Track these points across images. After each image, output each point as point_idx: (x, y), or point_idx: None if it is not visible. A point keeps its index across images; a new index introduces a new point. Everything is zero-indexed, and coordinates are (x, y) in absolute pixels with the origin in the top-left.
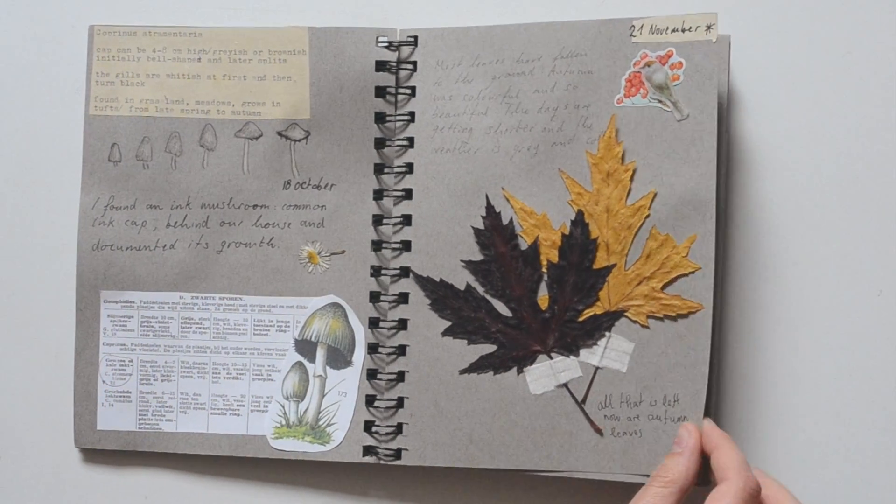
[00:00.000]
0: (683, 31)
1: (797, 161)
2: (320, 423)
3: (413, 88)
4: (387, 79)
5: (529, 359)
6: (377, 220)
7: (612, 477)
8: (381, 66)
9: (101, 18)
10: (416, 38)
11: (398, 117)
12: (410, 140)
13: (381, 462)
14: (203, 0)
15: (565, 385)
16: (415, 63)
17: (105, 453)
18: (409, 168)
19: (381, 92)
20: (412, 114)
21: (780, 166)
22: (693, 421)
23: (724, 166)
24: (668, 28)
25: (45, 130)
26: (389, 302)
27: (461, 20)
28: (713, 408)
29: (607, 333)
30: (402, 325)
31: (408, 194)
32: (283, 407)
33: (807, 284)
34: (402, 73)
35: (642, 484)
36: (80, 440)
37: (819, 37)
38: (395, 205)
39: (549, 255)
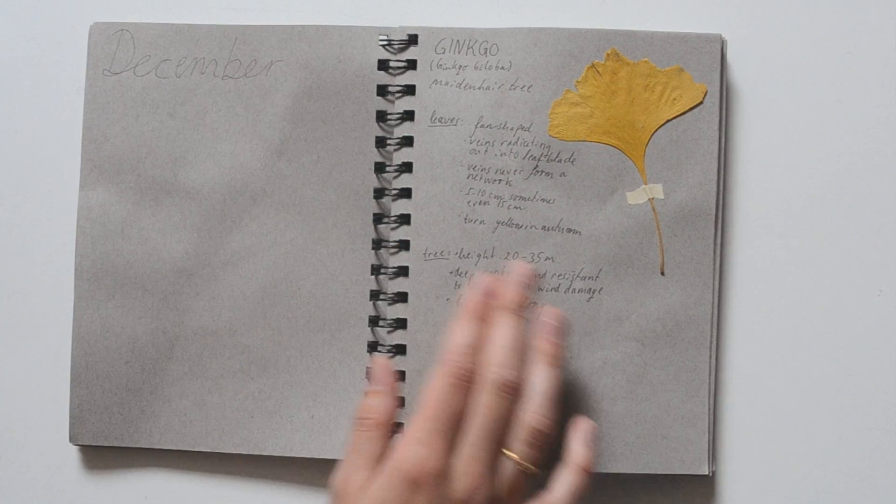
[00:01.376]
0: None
1: (797, 161)
2: None
3: (412, 87)
4: (389, 77)
5: None
6: (377, 219)
7: (610, 470)
8: (382, 64)
9: (102, 18)
10: (415, 36)
11: (396, 115)
12: (409, 139)
13: None
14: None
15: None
16: (414, 62)
17: (104, 453)
18: (408, 167)
19: (382, 91)
20: (411, 112)
21: (779, 166)
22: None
23: (723, 166)
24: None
25: (45, 130)
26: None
27: (460, 20)
28: (713, 408)
29: None
30: (400, 324)
31: (405, 193)
32: None
33: (807, 284)
34: (401, 72)
35: (644, 476)
36: (75, 437)
37: (819, 37)
38: (393, 202)
39: None
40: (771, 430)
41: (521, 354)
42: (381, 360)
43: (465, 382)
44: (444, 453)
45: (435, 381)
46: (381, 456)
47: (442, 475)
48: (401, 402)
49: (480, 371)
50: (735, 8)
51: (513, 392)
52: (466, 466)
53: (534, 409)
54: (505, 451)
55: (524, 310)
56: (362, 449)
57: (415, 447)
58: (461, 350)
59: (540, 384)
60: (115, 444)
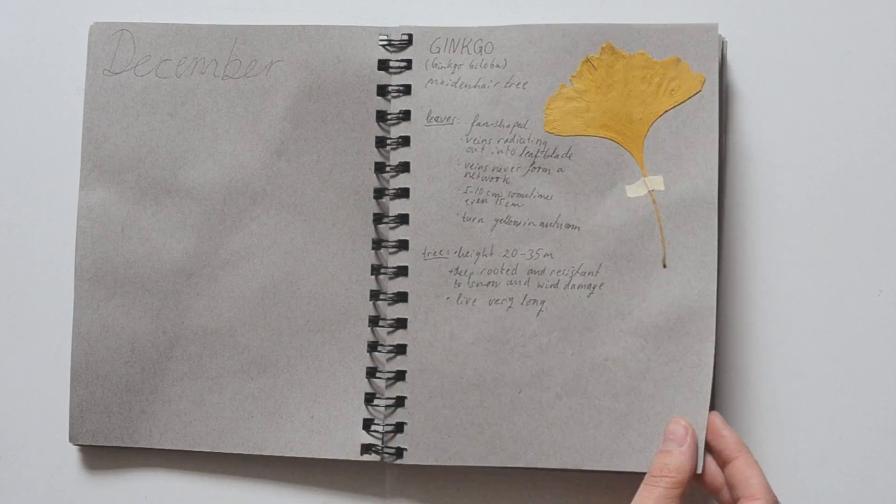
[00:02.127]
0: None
1: (797, 161)
2: None
3: (408, 87)
4: (389, 77)
5: None
6: (377, 219)
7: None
8: (382, 64)
9: (102, 18)
10: (410, 35)
11: (393, 115)
12: (405, 139)
13: (384, 461)
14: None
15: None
16: (409, 61)
17: (104, 453)
18: (405, 167)
19: (382, 90)
20: (407, 112)
21: (779, 166)
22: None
23: (723, 166)
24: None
25: (45, 130)
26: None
27: (460, 20)
28: (713, 406)
29: None
30: (400, 323)
31: (403, 193)
32: None
33: (807, 284)
34: (398, 72)
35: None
36: (75, 437)
37: (819, 36)
38: (391, 201)
39: None
40: (770, 429)
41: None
42: (681, 420)
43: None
44: None
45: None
46: None
47: None
48: (401, 401)
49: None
50: (734, 5)
51: None
52: None
53: None
54: None
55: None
56: None
57: None
58: (682, 471)
59: None
60: (115, 443)
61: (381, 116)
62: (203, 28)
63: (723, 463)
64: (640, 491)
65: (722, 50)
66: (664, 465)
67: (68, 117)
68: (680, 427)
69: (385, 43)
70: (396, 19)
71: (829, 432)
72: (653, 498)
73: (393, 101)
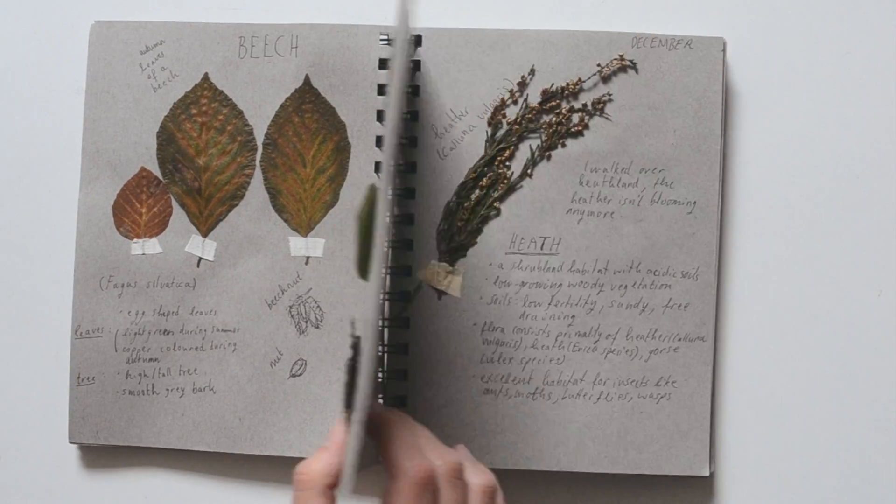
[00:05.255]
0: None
1: (797, 162)
2: None
3: (416, 88)
4: (390, 77)
5: None
6: None
7: (612, 469)
8: (383, 64)
9: (102, 17)
10: (419, 37)
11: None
12: (413, 139)
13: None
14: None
15: None
16: (418, 62)
17: (104, 452)
18: (412, 167)
19: (383, 90)
20: (415, 113)
21: (779, 167)
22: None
23: (723, 167)
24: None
25: (45, 130)
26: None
27: (459, 20)
28: (713, 408)
29: None
30: (402, 323)
31: (409, 193)
32: None
33: (807, 284)
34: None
35: (654, 477)
36: (74, 436)
37: (818, 37)
38: (396, 203)
39: None
40: (770, 430)
41: None
42: (340, 421)
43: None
44: None
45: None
46: None
47: None
48: (402, 400)
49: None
50: (735, 10)
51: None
52: None
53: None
54: None
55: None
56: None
57: None
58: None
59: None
60: (115, 443)
61: (382, 116)
62: (204, 27)
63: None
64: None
65: (723, 51)
66: (304, 462)
67: (68, 117)
68: (338, 426)
69: (386, 42)
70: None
71: (829, 432)
72: (302, 499)
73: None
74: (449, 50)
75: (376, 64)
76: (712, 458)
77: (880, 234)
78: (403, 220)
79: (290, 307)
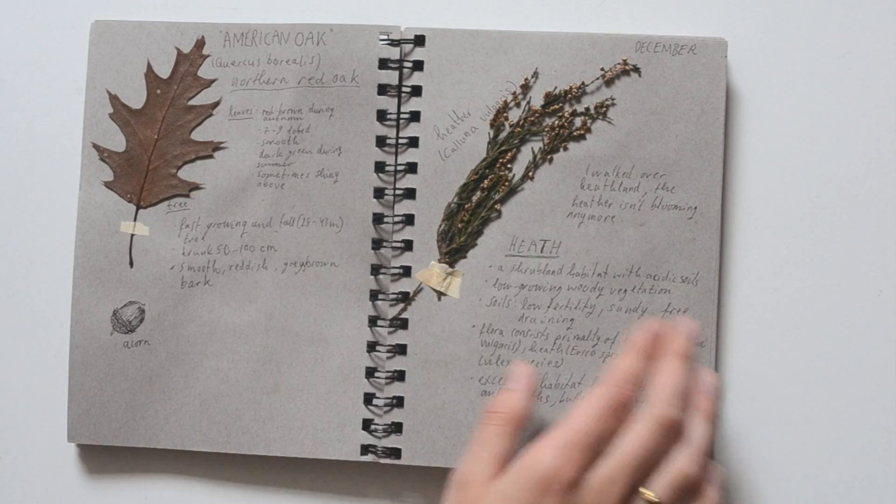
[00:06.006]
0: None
1: (797, 162)
2: None
3: (419, 88)
4: (390, 76)
5: None
6: (377, 219)
7: None
8: (383, 63)
9: (103, 16)
10: (422, 37)
11: (400, 115)
12: (414, 139)
13: (381, 461)
14: None
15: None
16: (420, 63)
17: (103, 453)
18: (413, 168)
19: (383, 90)
20: (417, 113)
21: (780, 167)
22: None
23: (724, 167)
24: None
25: (45, 130)
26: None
27: (459, 20)
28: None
29: None
30: (401, 324)
31: (410, 194)
32: None
33: (807, 284)
34: (405, 72)
35: None
36: (73, 435)
37: (819, 37)
38: (395, 203)
39: None
40: (771, 430)
41: (685, 401)
42: (523, 363)
43: (622, 410)
44: (580, 467)
45: (591, 398)
46: (507, 454)
47: (573, 487)
48: (400, 401)
49: (639, 403)
50: (735, 11)
51: (673, 432)
52: (602, 486)
53: (690, 456)
54: (643, 490)
55: (690, 361)
56: (490, 443)
57: (553, 453)
58: (625, 378)
59: (699, 436)
60: (114, 443)
61: (382, 116)
62: (204, 26)
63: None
64: (478, 428)
65: (725, 56)
66: (499, 401)
67: (68, 117)
68: (520, 367)
69: (387, 42)
70: (397, 19)
71: (829, 432)
72: (487, 434)
73: (401, 100)
74: (452, 51)
75: (376, 64)
76: (712, 457)
77: (880, 235)
78: (404, 221)
79: None
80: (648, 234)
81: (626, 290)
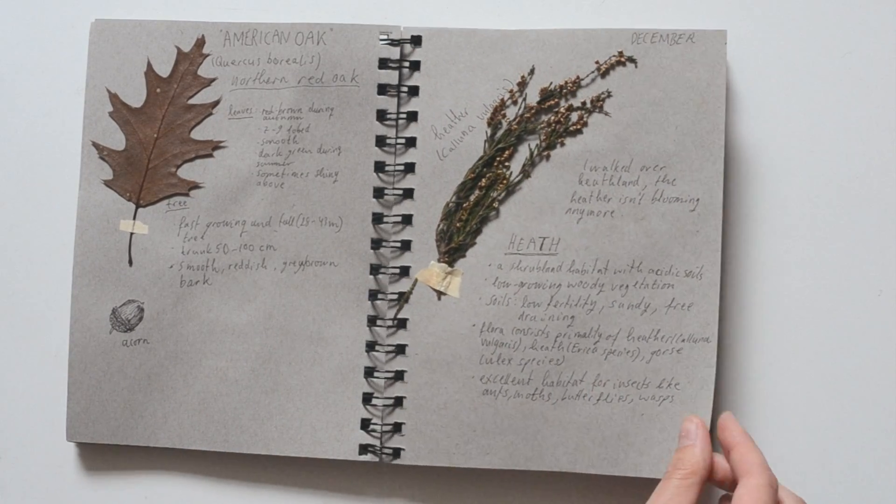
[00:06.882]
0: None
1: (797, 161)
2: None
3: (416, 88)
4: (390, 76)
5: None
6: (377, 219)
7: (611, 471)
8: (383, 63)
9: (103, 15)
10: (419, 37)
11: (399, 115)
12: (412, 140)
13: (382, 461)
14: None
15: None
16: (418, 62)
17: (103, 452)
18: (411, 168)
19: (383, 90)
20: (414, 113)
21: (779, 166)
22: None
23: (723, 166)
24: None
25: (45, 130)
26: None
27: (459, 20)
28: (716, 408)
29: None
30: (400, 324)
31: (408, 194)
32: None
33: (807, 285)
34: (405, 72)
35: (656, 480)
36: (72, 434)
37: (819, 36)
38: (395, 203)
39: None
40: (771, 429)
41: None
42: (693, 418)
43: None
44: None
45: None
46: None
47: None
48: (400, 401)
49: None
50: (734, 4)
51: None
52: None
53: None
54: None
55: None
56: (680, 499)
57: None
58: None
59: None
60: (113, 441)
61: (382, 116)
62: (204, 26)
63: (727, 452)
64: (659, 484)
65: (725, 44)
66: (678, 459)
67: (68, 117)
68: (692, 424)
69: (387, 41)
70: (397, 19)
71: (829, 432)
72: (669, 489)
73: (400, 100)
74: (449, 50)
75: (376, 64)
76: None
77: (880, 235)
78: (402, 221)
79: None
80: (649, 227)
81: (627, 286)
